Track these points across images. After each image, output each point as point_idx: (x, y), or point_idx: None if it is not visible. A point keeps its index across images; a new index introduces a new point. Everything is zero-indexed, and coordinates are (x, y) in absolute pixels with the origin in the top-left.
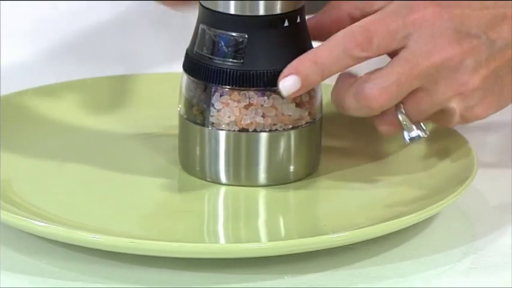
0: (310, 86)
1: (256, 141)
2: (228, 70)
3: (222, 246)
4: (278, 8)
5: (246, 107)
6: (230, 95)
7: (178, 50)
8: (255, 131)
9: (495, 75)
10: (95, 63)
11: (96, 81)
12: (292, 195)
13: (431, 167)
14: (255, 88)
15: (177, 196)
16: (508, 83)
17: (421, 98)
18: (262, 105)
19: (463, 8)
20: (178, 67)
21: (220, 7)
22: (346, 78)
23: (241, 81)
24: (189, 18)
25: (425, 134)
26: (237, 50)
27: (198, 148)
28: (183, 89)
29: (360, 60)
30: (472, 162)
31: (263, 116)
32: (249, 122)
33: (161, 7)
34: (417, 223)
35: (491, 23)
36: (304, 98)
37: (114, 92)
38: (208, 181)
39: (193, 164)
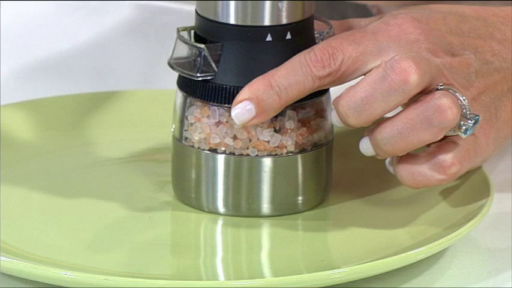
0: (269, 113)
1: (239, 166)
2: (199, 81)
3: (221, 283)
4: (259, 19)
5: (217, 125)
6: (201, 109)
7: (157, 63)
8: (224, 153)
9: (487, 96)
10: (67, 79)
11: (68, 99)
12: (298, 227)
13: (444, 195)
14: (227, 105)
15: (168, 227)
16: (501, 109)
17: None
18: (234, 126)
19: (442, 29)
20: (158, 83)
21: (199, 10)
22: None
23: (212, 95)
24: (170, 28)
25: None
26: (209, 60)
27: (193, 172)
28: (175, 104)
29: (322, 80)
30: (487, 189)
31: (233, 138)
32: (218, 141)
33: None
34: (427, 257)
35: (473, 44)
36: (289, 125)
37: (90, 110)
38: (206, 211)
39: (188, 192)
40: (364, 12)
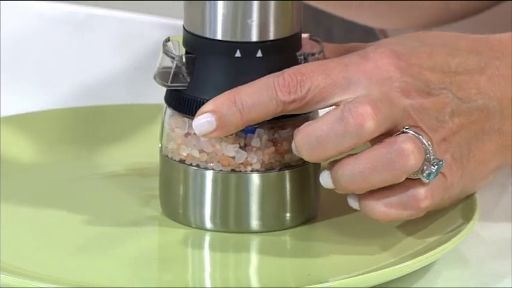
0: (230, 128)
1: (217, 182)
2: (175, 92)
3: None
4: (229, 35)
5: (186, 136)
6: (176, 120)
7: (144, 77)
8: (191, 165)
9: (461, 136)
10: (53, 94)
11: (54, 113)
12: (286, 243)
13: (432, 211)
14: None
15: (155, 241)
16: (478, 149)
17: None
18: (201, 138)
19: (423, 65)
20: (146, 97)
21: (184, 21)
22: None
23: (183, 106)
24: (158, 42)
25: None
26: (183, 71)
27: (181, 188)
28: (162, 115)
29: (286, 105)
30: (473, 204)
31: (200, 151)
32: (187, 153)
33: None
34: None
35: (456, 80)
36: (255, 143)
37: (76, 125)
38: (193, 227)
39: (176, 206)
40: (350, 26)
